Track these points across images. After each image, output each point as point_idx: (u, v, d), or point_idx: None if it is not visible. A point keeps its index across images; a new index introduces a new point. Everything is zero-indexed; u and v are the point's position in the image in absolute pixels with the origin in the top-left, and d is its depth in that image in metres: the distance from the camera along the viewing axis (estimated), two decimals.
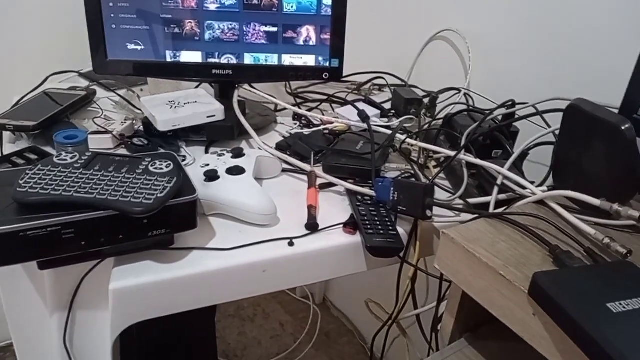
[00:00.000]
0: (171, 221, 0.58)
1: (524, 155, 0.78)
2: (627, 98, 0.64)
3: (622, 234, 0.59)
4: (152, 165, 0.60)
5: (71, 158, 0.59)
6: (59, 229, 0.52)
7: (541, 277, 0.46)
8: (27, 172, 0.57)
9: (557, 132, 0.68)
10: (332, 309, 1.88)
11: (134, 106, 0.98)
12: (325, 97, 1.11)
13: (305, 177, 0.80)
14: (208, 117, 0.87)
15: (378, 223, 0.68)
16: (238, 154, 0.76)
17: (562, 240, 0.56)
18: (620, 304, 0.43)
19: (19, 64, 1.26)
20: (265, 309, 1.86)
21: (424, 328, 0.80)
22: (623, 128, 0.55)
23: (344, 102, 1.08)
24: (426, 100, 1.01)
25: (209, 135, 0.89)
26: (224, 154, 0.77)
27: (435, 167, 0.84)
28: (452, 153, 0.78)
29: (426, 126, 0.93)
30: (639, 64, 0.62)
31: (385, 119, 1.01)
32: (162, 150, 0.85)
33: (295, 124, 1.02)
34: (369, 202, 0.73)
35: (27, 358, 0.70)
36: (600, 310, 0.42)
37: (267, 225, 0.68)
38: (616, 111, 0.64)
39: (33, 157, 0.77)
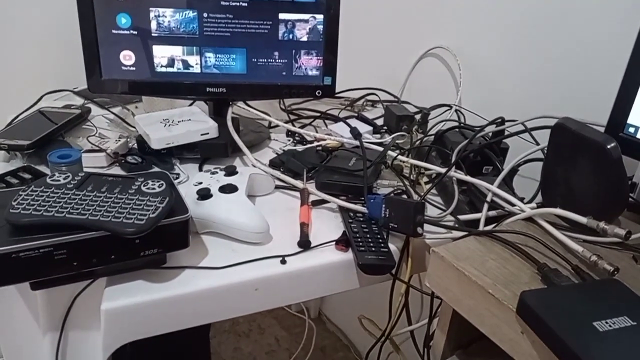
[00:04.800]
0: (163, 241, 0.59)
1: (513, 171, 0.79)
2: (612, 116, 0.65)
3: (610, 251, 0.59)
4: (144, 185, 0.61)
5: (64, 179, 0.60)
6: (51, 250, 0.52)
7: (528, 296, 0.47)
8: (20, 193, 0.57)
9: (545, 149, 0.69)
10: (327, 324, 1.88)
11: (128, 124, 0.99)
12: (318, 114, 1.12)
13: (298, 194, 0.81)
14: (202, 135, 0.88)
15: (370, 240, 0.69)
16: (231, 172, 0.77)
17: (551, 257, 0.57)
18: (607, 323, 0.44)
19: (13, 82, 1.26)
20: (260, 324, 1.85)
21: (418, 343, 0.80)
22: (608, 147, 0.56)
23: (336, 119, 1.10)
24: (418, 117, 1.02)
25: (203, 152, 0.89)
26: (217, 172, 0.78)
27: (426, 183, 0.85)
28: (442, 170, 0.78)
29: (418, 143, 0.94)
30: (623, 84, 0.63)
31: (378, 135, 1.02)
32: (156, 168, 0.85)
33: (289, 140, 1.02)
34: (361, 219, 0.73)
35: None
36: (586, 329, 0.43)
37: (260, 243, 0.68)
38: (603, 129, 0.65)
39: (27, 176, 0.77)
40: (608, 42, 0.83)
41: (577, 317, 0.44)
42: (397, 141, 0.94)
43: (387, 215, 0.69)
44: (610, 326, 0.43)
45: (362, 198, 0.76)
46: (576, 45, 0.88)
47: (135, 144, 0.91)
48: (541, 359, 0.46)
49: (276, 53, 0.94)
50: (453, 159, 0.80)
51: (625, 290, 0.49)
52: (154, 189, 0.60)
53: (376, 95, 1.23)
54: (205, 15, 0.89)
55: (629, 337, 0.42)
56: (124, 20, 0.87)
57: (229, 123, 0.92)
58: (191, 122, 0.90)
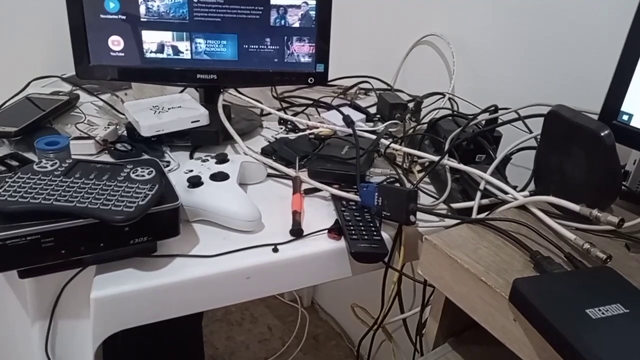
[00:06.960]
0: (153, 228, 0.58)
1: (506, 159, 0.79)
2: (606, 104, 0.65)
3: (603, 239, 0.59)
4: (133, 173, 0.60)
5: (51, 165, 0.59)
6: (38, 238, 0.52)
7: (521, 283, 0.47)
8: (7, 180, 0.56)
9: (539, 137, 0.68)
10: (320, 312, 1.88)
11: (117, 111, 0.98)
12: (310, 102, 1.11)
13: (290, 182, 0.80)
14: (192, 122, 0.86)
15: (362, 228, 0.68)
16: (222, 159, 0.76)
17: (543, 245, 0.57)
18: (599, 310, 0.44)
19: (0, 68, 1.24)
20: (253, 312, 1.85)
21: (410, 331, 0.81)
22: (602, 134, 0.56)
23: (329, 107, 1.09)
24: (411, 105, 1.01)
25: (194, 140, 0.88)
26: (208, 160, 0.77)
27: (419, 171, 0.85)
28: (435, 158, 0.78)
29: (411, 131, 0.93)
30: (617, 71, 0.63)
31: (371, 124, 1.01)
32: (145, 156, 0.84)
33: (281, 128, 1.01)
34: (354, 207, 0.73)
35: None
36: (579, 317, 0.43)
37: (252, 232, 0.68)
38: (597, 117, 0.65)
39: (14, 163, 0.76)
40: (602, 30, 0.83)
41: (569, 304, 0.44)
42: (390, 129, 0.94)
43: (380, 204, 0.69)
44: (602, 314, 0.43)
45: (355, 186, 0.75)
46: (570, 33, 0.88)
47: (125, 132, 0.90)
48: (533, 347, 0.46)
49: (268, 39, 0.92)
50: (446, 147, 0.80)
51: (617, 278, 0.49)
52: (143, 176, 0.59)
53: (369, 83, 1.22)
54: None
55: (622, 325, 0.42)
56: (112, 4, 0.85)
57: (220, 110, 0.91)
58: (182, 109, 0.89)
